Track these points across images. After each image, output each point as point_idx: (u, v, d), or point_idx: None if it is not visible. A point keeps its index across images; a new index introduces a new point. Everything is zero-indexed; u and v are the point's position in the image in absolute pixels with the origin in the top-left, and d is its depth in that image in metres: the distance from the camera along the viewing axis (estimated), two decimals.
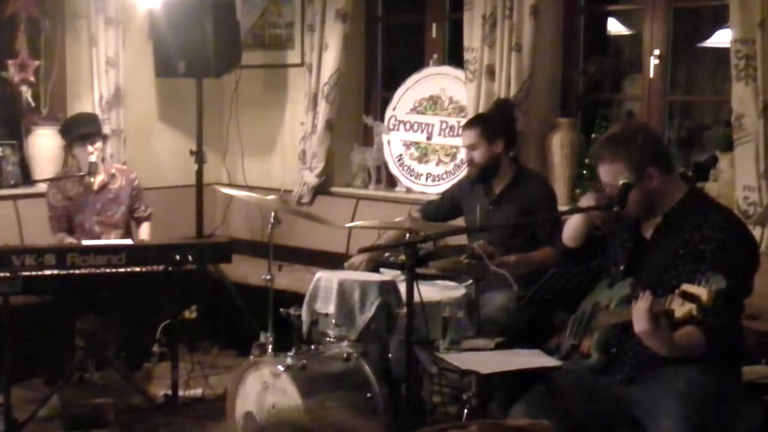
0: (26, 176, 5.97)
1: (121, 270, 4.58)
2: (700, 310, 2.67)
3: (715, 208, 3.17)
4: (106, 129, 5.81)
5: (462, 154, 5.75)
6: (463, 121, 5.65)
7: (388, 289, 3.97)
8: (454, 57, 5.98)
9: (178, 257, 4.60)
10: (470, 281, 4.27)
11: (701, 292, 2.66)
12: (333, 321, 3.95)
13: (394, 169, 6.23)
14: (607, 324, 3.18)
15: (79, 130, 5.19)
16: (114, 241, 5.11)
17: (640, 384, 3.09)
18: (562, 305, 3.75)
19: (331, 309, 3.95)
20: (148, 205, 5.56)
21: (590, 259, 3.55)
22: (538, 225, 4.50)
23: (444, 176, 5.96)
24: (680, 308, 2.72)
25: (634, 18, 6.14)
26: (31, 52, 5.91)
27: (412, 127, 6.15)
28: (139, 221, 5.55)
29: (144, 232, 5.52)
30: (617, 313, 3.14)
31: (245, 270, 5.89)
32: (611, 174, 3.18)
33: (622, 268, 3.27)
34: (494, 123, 4.67)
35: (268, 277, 4.55)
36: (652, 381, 3.06)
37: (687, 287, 2.71)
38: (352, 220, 5.78)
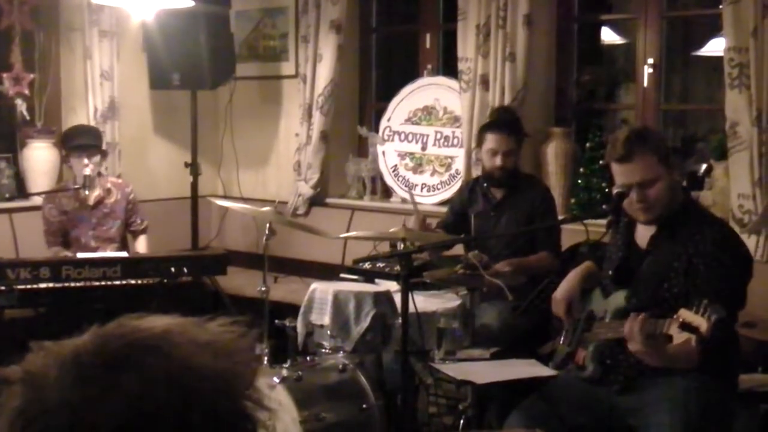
0: (21, 189, 5.95)
1: (117, 282, 4.58)
2: (699, 341, 2.60)
3: (710, 220, 3.15)
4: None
5: (458, 163, 5.77)
6: (459, 131, 5.69)
7: (383, 299, 3.96)
8: (449, 67, 5.98)
9: (173, 269, 4.60)
10: (465, 291, 4.26)
11: (700, 322, 2.59)
12: (328, 332, 3.93)
13: (389, 180, 6.22)
14: (602, 338, 3.17)
15: (77, 141, 5.16)
16: (109, 253, 5.09)
17: (634, 393, 3.08)
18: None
19: (326, 320, 3.93)
20: (144, 218, 5.49)
21: None
22: (536, 229, 4.50)
23: (439, 186, 5.96)
24: (678, 335, 2.64)
25: (627, 27, 6.16)
26: (25, 65, 5.91)
27: (406, 137, 6.14)
28: (135, 234, 5.48)
29: (141, 245, 5.45)
30: (612, 328, 3.10)
31: (240, 282, 5.88)
32: (640, 170, 3.01)
33: (610, 272, 3.26)
34: (522, 130, 4.66)
35: (264, 288, 4.53)
36: (647, 390, 3.05)
37: (686, 316, 2.62)
38: (348, 231, 5.77)
